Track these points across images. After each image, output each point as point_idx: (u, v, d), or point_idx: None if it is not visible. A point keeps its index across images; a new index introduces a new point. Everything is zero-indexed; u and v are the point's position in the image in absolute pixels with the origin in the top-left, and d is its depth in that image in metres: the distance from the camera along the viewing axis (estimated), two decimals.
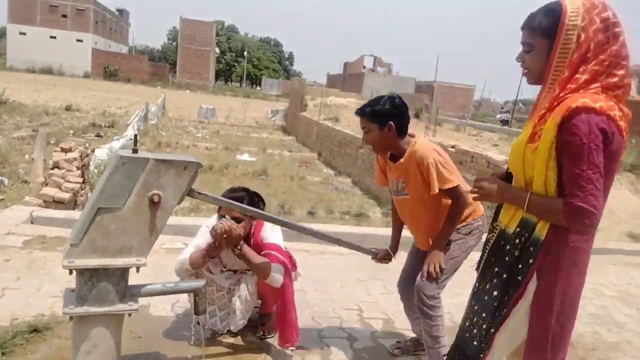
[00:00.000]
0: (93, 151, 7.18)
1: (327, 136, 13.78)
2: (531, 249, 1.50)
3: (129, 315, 1.82)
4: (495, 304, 1.57)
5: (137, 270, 1.80)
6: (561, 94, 1.44)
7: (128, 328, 2.53)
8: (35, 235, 3.94)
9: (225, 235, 2.30)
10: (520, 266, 1.52)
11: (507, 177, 1.69)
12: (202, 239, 2.56)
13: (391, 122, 2.24)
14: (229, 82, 78.17)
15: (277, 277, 2.43)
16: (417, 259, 2.47)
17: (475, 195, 1.69)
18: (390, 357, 2.72)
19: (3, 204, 5.50)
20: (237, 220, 2.39)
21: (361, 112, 2.32)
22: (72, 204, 5.37)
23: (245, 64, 72.79)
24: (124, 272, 1.79)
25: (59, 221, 4.23)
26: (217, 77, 69.15)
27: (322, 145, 14.11)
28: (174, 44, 68.47)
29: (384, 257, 2.62)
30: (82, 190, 5.72)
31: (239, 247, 2.38)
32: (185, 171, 1.80)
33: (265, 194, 3.05)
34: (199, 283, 2.04)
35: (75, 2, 55.04)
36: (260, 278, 2.48)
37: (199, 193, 1.92)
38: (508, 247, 1.57)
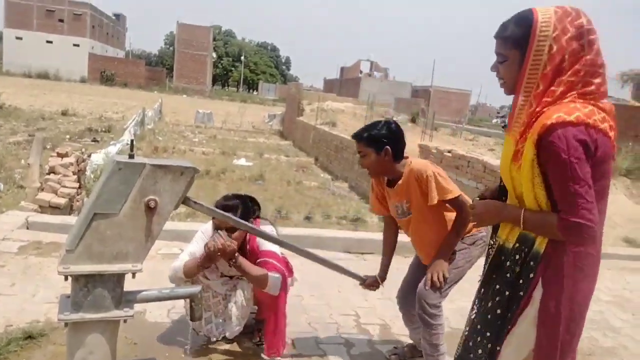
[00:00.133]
0: (89, 156, 7.16)
1: (324, 141, 13.78)
2: (531, 263, 1.47)
3: (125, 321, 1.81)
4: (499, 322, 1.54)
5: (133, 276, 1.79)
6: (537, 109, 1.41)
7: (124, 334, 2.51)
8: (31, 241, 3.93)
9: (219, 253, 2.31)
10: (521, 281, 1.49)
11: (502, 188, 1.65)
12: (197, 245, 2.55)
13: (387, 147, 2.27)
14: (226, 87, 78.22)
15: (274, 287, 2.43)
16: (419, 270, 2.47)
17: (475, 222, 1.68)
18: None
19: None
20: (232, 229, 2.39)
21: (358, 137, 2.34)
22: (68, 210, 5.35)
23: (242, 68, 72.92)
24: (119, 278, 1.79)
25: (54, 227, 4.21)
26: (214, 81, 69.11)
27: (319, 149, 14.10)
28: (171, 48, 68.53)
29: (372, 284, 2.65)
30: (78, 195, 5.70)
31: (234, 259, 2.37)
32: (182, 176, 1.80)
33: (262, 199, 3.04)
34: (195, 289, 2.03)
35: (72, 6, 55.02)
36: (258, 288, 2.47)
37: (195, 202, 1.91)
38: (508, 263, 1.54)
